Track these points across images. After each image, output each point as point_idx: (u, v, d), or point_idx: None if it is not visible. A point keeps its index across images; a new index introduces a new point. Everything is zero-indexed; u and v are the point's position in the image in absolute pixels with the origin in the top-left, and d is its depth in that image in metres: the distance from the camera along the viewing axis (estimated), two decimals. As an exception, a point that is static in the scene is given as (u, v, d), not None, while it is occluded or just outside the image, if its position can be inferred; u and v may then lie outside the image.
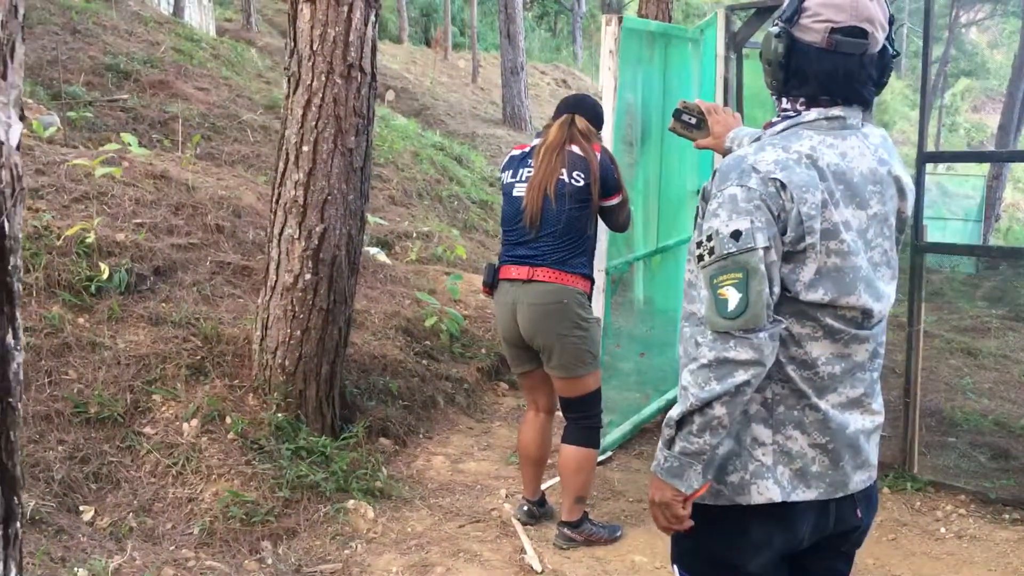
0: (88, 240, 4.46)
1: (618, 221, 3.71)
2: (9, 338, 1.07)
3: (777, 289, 1.70)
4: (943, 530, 3.94)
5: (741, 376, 1.67)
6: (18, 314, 1.09)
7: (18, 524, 1.12)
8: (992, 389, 6.01)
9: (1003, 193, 16.37)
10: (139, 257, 4.64)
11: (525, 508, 3.94)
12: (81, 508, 3.54)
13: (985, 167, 15.81)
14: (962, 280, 10.22)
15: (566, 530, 3.72)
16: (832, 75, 1.75)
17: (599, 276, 4.24)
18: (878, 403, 1.89)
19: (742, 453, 1.80)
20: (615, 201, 3.62)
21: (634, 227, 4.73)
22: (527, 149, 3.72)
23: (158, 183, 5.30)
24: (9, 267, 1.06)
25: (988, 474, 4.47)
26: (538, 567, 3.54)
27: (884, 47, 1.78)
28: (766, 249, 1.67)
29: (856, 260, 1.73)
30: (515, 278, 3.60)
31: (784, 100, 1.85)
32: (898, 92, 31.67)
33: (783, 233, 1.68)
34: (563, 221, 3.52)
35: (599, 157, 3.56)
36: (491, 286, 3.74)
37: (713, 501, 1.82)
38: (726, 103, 4.90)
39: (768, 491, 1.78)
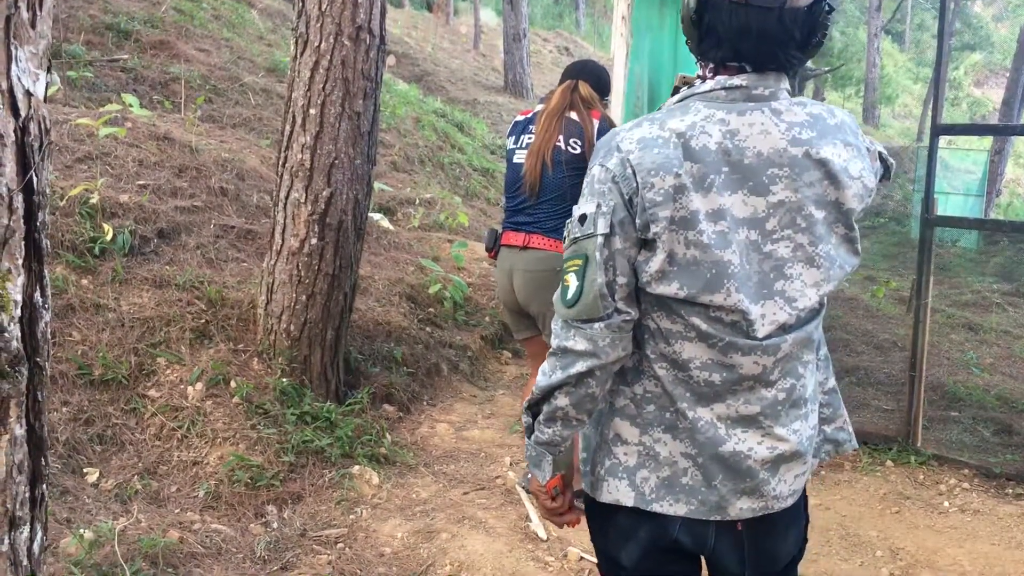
0: (92, 201, 4.41)
1: None
2: (37, 296, 1.05)
3: (624, 280, 1.54)
4: (946, 504, 3.95)
5: (580, 366, 1.56)
6: (46, 272, 1.06)
7: (44, 486, 1.10)
8: (994, 364, 6.03)
9: (1005, 168, 16.32)
10: (143, 219, 4.60)
11: (529, 476, 3.94)
12: (86, 470, 3.54)
13: (987, 142, 15.72)
14: (963, 255, 10.22)
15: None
16: (743, 33, 1.50)
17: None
18: (790, 430, 1.61)
19: (603, 447, 1.68)
20: None
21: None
22: (530, 115, 3.70)
23: (161, 145, 5.24)
24: (37, 223, 1.04)
25: (991, 449, 4.48)
26: (543, 535, 3.54)
27: (815, 1, 1.51)
28: (606, 236, 1.52)
29: (721, 254, 1.49)
30: (513, 244, 3.61)
31: (699, 65, 1.63)
32: (901, 65, 31.44)
33: (635, 218, 1.52)
34: (560, 189, 3.50)
35: (596, 124, 3.52)
36: (494, 251, 3.74)
37: (589, 492, 1.73)
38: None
39: (617, 492, 1.65)
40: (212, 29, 9.32)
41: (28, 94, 1.01)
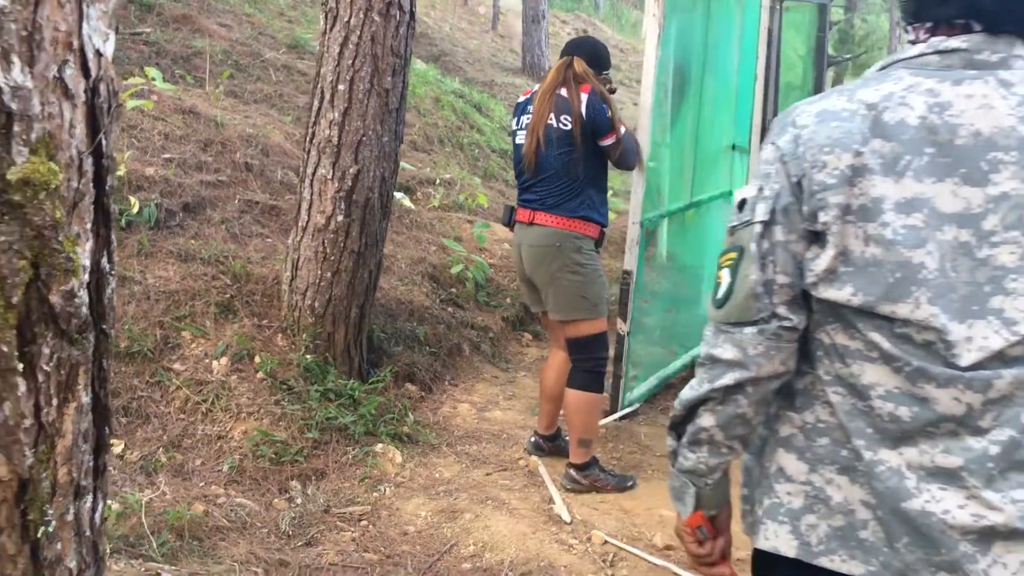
0: (118, 173, 4.40)
1: (614, 160, 3.71)
2: (104, 262, 1.03)
3: (786, 279, 1.29)
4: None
5: (727, 379, 1.32)
6: (113, 237, 1.04)
7: (106, 456, 1.09)
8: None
9: None
10: (168, 193, 4.59)
11: (533, 440, 4.06)
12: (111, 441, 3.54)
13: None
14: None
15: (572, 471, 3.79)
16: None
17: (633, 228, 4.21)
18: (1008, 498, 1.21)
19: (764, 482, 1.41)
20: (608, 141, 3.60)
21: (669, 180, 4.67)
22: (529, 96, 3.76)
23: (187, 118, 5.23)
24: (107, 187, 1.02)
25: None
26: (567, 517, 3.53)
27: None
28: (765, 225, 1.29)
29: (910, 255, 1.21)
30: (522, 221, 3.70)
31: (911, 29, 1.33)
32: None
33: (803, 205, 1.28)
34: (555, 166, 3.56)
35: (585, 99, 3.54)
36: (511, 226, 3.83)
37: (746, 533, 1.48)
38: (769, 56, 4.79)
39: (776, 539, 1.37)
40: (233, 4, 9.28)
41: (98, 54, 0.99)
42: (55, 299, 0.94)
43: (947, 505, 1.24)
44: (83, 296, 0.98)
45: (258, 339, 4.11)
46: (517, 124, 3.74)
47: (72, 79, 0.95)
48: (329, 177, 4.10)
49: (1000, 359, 1.21)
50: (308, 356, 4.11)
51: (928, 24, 1.29)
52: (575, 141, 3.53)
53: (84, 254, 0.99)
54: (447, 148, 9.11)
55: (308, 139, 4.17)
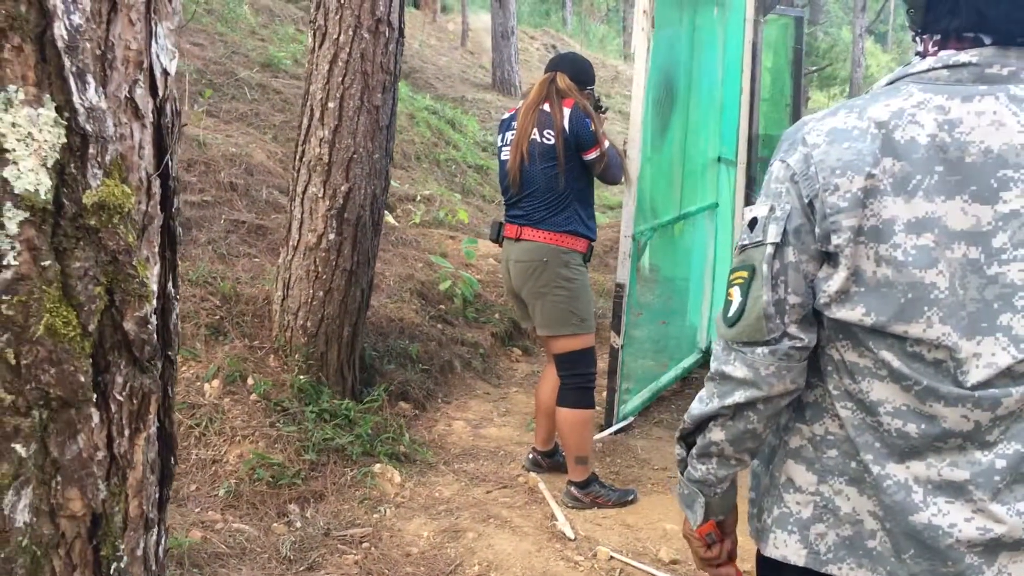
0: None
1: (598, 174, 3.70)
2: (170, 286, 1.00)
3: (798, 299, 1.30)
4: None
5: (737, 396, 1.34)
6: (178, 260, 1.01)
7: (170, 487, 1.05)
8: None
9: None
10: (154, 213, 4.53)
11: (531, 456, 4.04)
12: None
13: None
14: None
15: (573, 489, 3.77)
16: None
17: (625, 242, 4.22)
18: (1013, 510, 1.24)
19: (773, 491, 1.44)
20: (592, 155, 3.60)
21: (659, 193, 4.68)
22: (514, 112, 3.76)
23: (169, 138, 5.16)
24: (173, 209, 0.99)
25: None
26: (571, 534, 3.50)
27: None
28: (777, 246, 1.28)
29: (921, 275, 1.21)
30: (509, 236, 3.70)
31: (919, 40, 1.31)
32: (884, 65, 31.69)
33: (815, 227, 1.28)
34: (540, 181, 3.57)
35: (568, 113, 3.55)
36: (499, 241, 3.82)
37: (754, 539, 1.50)
38: (754, 69, 4.83)
39: (785, 547, 1.39)
40: (206, 23, 9.20)
41: (165, 73, 0.97)
42: (129, 325, 0.90)
43: (954, 519, 1.26)
44: (154, 322, 0.95)
45: (250, 360, 4.05)
46: (502, 141, 3.74)
47: (142, 99, 0.93)
48: (320, 195, 4.06)
49: (1009, 376, 1.22)
50: (301, 377, 4.06)
51: (937, 37, 1.28)
52: (558, 155, 3.53)
53: (152, 278, 0.96)
54: (424, 165, 9.08)
55: (298, 157, 4.13)
